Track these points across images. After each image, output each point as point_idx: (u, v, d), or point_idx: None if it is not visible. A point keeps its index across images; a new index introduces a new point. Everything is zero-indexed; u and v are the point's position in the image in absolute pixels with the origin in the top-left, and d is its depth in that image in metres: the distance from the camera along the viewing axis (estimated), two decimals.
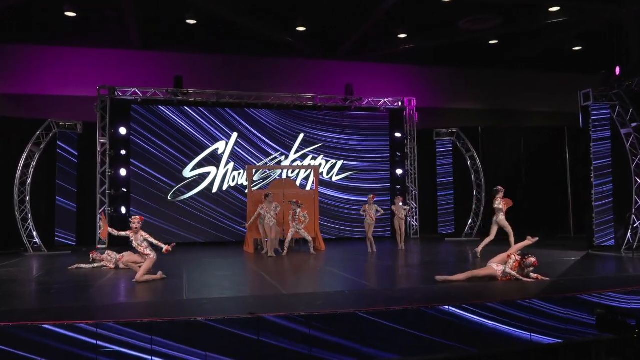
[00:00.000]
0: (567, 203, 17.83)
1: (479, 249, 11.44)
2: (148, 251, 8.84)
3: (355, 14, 15.02)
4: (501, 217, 11.16)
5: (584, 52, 19.39)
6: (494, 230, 11.30)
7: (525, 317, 6.68)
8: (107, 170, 15.37)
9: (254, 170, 15.85)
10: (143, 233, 8.85)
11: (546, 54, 19.48)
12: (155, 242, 8.83)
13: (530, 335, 6.65)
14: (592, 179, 12.08)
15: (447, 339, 6.32)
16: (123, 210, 15.53)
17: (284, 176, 16.70)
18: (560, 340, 6.77)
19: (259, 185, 16.35)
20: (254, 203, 13.77)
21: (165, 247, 8.79)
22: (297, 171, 17.07)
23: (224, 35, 16.91)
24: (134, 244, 8.89)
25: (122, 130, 15.68)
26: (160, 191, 15.88)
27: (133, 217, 9.03)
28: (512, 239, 11.06)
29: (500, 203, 11.19)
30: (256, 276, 9.56)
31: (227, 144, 16.55)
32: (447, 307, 6.41)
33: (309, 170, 17.01)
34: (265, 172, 16.80)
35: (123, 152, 15.64)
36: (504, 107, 20.14)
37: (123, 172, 15.60)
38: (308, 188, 16.64)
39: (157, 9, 14.80)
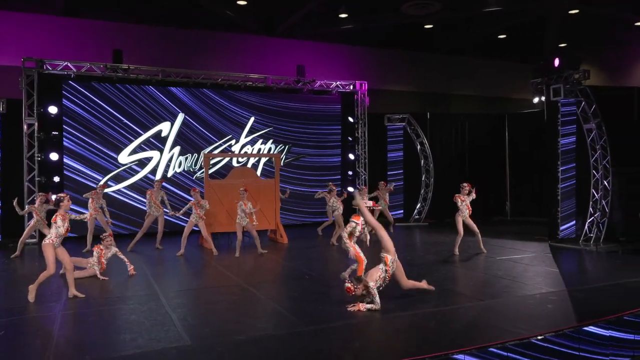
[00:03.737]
0: (505, 188, 17.58)
1: None
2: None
3: None
4: None
5: (513, 42, 19.05)
6: None
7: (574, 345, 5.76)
8: (35, 155, 12.75)
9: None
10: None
11: (483, 41, 18.94)
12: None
13: None
14: (559, 174, 11.54)
15: None
16: None
17: (234, 162, 14.94)
18: None
19: (210, 172, 14.40)
20: (212, 194, 11.97)
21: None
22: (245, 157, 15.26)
23: (166, 5, 14.49)
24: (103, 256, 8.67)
25: (53, 109, 13.05)
26: (97, 179, 13.49)
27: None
28: None
29: None
30: (251, 296, 7.26)
31: (172, 125, 14.39)
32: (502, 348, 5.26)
33: (259, 157, 15.29)
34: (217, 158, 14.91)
35: (54, 133, 13.05)
36: (445, 91, 19.52)
37: (54, 156, 13.06)
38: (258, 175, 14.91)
39: None
